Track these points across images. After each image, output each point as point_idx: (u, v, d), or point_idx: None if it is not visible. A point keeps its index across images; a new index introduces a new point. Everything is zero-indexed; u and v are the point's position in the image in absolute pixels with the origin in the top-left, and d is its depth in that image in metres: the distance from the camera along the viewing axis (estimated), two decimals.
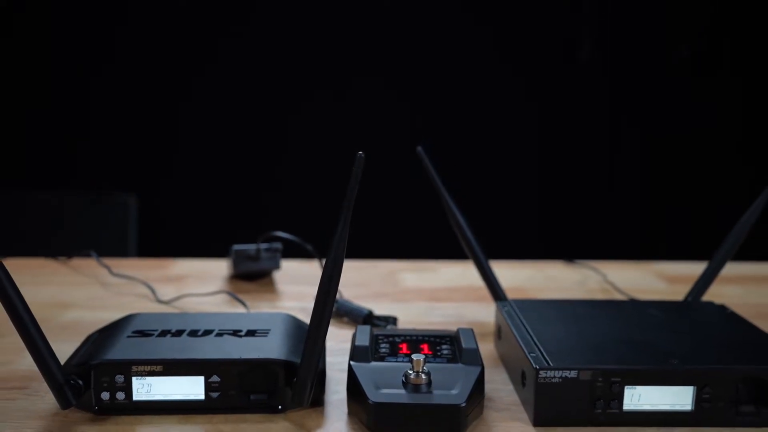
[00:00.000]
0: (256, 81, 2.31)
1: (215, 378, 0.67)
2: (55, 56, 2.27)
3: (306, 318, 0.69)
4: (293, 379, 0.66)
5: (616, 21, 2.38)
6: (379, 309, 0.99)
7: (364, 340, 0.73)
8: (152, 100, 2.29)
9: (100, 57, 2.27)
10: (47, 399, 0.69)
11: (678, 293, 0.98)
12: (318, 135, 2.33)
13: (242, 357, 0.68)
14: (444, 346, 0.74)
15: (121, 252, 1.80)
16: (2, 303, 0.61)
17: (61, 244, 1.27)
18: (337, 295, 0.83)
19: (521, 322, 0.78)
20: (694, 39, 2.39)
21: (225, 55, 2.29)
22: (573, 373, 0.65)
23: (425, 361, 0.67)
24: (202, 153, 2.34)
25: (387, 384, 0.66)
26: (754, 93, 2.41)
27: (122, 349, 0.69)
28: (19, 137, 2.30)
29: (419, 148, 0.89)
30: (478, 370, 0.69)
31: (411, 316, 0.99)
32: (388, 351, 0.73)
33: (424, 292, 1.11)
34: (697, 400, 0.66)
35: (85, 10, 2.24)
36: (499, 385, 0.76)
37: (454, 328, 0.79)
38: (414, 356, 0.66)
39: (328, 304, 0.64)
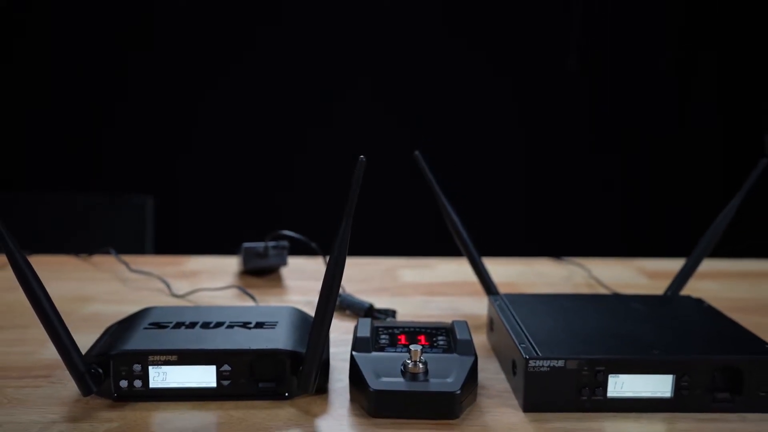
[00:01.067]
0: (264, 93, 2.31)
1: (226, 367, 0.67)
2: (79, 67, 2.27)
3: (311, 311, 0.69)
4: (299, 368, 0.66)
5: (602, 32, 2.38)
6: (380, 303, 0.99)
7: (365, 332, 0.73)
8: (168, 111, 2.30)
9: (121, 71, 2.28)
10: (69, 386, 0.69)
11: (658, 288, 0.98)
12: (322, 140, 2.34)
13: (251, 347, 0.68)
14: (440, 338, 0.74)
15: (139, 249, 1.80)
16: (27, 297, 0.61)
17: (82, 242, 1.27)
18: (340, 290, 0.83)
19: (512, 314, 0.78)
20: (677, 46, 2.39)
21: (234, 68, 2.30)
22: (560, 363, 0.65)
23: (422, 352, 0.67)
24: (215, 158, 2.35)
25: (387, 373, 0.66)
26: (732, 97, 2.41)
27: (139, 340, 0.69)
28: (45, 143, 2.30)
29: (416, 153, 0.89)
30: (471, 359, 0.69)
31: (409, 310, 0.99)
32: (387, 342, 0.73)
33: (421, 287, 1.11)
34: (676, 387, 0.66)
35: (109, 16, 2.24)
36: (491, 373, 0.76)
37: (449, 320, 0.79)
38: (412, 347, 0.67)
39: (331, 298, 0.64)
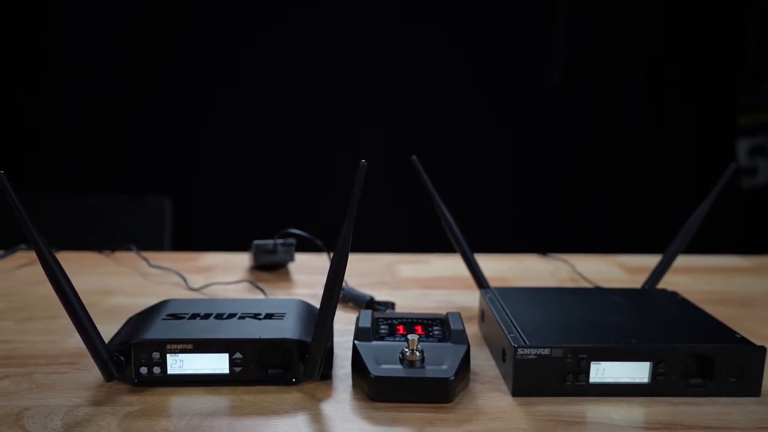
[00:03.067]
0: (272, 106, 2.32)
1: (238, 355, 0.67)
2: (105, 82, 2.28)
3: (317, 303, 0.69)
4: (305, 356, 0.66)
5: (584, 47, 2.39)
6: (380, 295, 0.99)
7: (366, 322, 0.73)
8: (184, 121, 2.31)
9: (143, 86, 2.28)
10: (94, 373, 0.69)
11: (636, 282, 0.98)
12: (327, 146, 2.34)
13: (261, 337, 0.68)
14: (435, 328, 0.74)
15: (158, 246, 1.80)
16: (55, 290, 0.61)
17: (105, 239, 1.27)
18: (343, 284, 0.83)
19: (502, 306, 0.78)
20: (652, 59, 2.40)
21: (242, 81, 2.30)
22: (546, 351, 0.65)
23: (419, 341, 0.67)
24: (228, 163, 2.35)
25: (386, 360, 0.66)
26: (704, 106, 2.42)
27: (158, 330, 0.69)
28: (72, 148, 2.31)
29: (414, 157, 0.89)
30: (464, 348, 0.69)
31: (407, 302, 0.99)
32: (387, 332, 0.73)
33: (418, 281, 1.11)
34: (653, 373, 0.66)
35: (129, 28, 2.24)
36: (482, 361, 0.76)
37: (443, 312, 0.79)
38: (409, 336, 0.67)
39: (335, 291, 0.64)
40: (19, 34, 2.22)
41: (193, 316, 0.73)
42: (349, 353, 0.70)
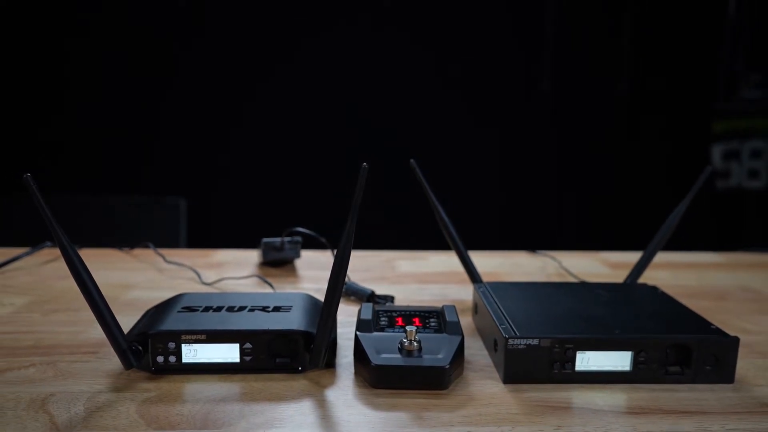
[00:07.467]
0: (282, 112, 2.32)
1: (248, 345, 0.67)
2: (126, 91, 2.27)
3: (321, 297, 0.69)
4: (311, 346, 0.66)
5: (570, 60, 2.39)
6: (380, 290, 0.99)
7: (367, 315, 0.73)
8: (198, 129, 2.32)
9: (161, 95, 2.28)
10: (114, 361, 0.69)
11: (619, 277, 0.98)
12: (330, 150, 2.34)
13: (270, 328, 0.67)
14: (432, 320, 0.74)
15: (174, 244, 1.80)
16: (77, 284, 0.61)
17: (125, 237, 1.27)
18: (346, 279, 0.83)
19: (494, 300, 0.78)
20: (630, 69, 2.40)
21: (252, 93, 2.30)
22: (535, 341, 0.65)
23: (417, 332, 0.66)
24: (239, 167, 2.36)
25: (386, 350, 0.66)
26: (676, 113, 2.42)
27: (174, 322, 0.69)
28: (93, 152, 2.31)
29: (412, 161, 0.89)
30: (459, 338, 0.69)
31: (405, 295, 0.98)
32: (386, 323, 0.73)
33: (416, 276, 1.11)
34: (635, 362, 0.66)
35: (148, 34, 2.24)
36: (476, 351, 0.76)
37: (440, 305, 0.78)
38: (408, 328, 0.66)
39: (338, 285, 0.64)
40: (40, 40, 2.22)
41: (206, 309, 0.73)
42: (352, 343, 0.70)
